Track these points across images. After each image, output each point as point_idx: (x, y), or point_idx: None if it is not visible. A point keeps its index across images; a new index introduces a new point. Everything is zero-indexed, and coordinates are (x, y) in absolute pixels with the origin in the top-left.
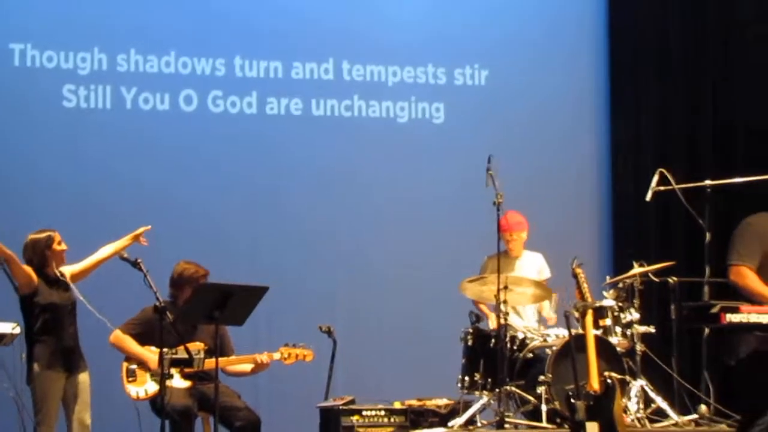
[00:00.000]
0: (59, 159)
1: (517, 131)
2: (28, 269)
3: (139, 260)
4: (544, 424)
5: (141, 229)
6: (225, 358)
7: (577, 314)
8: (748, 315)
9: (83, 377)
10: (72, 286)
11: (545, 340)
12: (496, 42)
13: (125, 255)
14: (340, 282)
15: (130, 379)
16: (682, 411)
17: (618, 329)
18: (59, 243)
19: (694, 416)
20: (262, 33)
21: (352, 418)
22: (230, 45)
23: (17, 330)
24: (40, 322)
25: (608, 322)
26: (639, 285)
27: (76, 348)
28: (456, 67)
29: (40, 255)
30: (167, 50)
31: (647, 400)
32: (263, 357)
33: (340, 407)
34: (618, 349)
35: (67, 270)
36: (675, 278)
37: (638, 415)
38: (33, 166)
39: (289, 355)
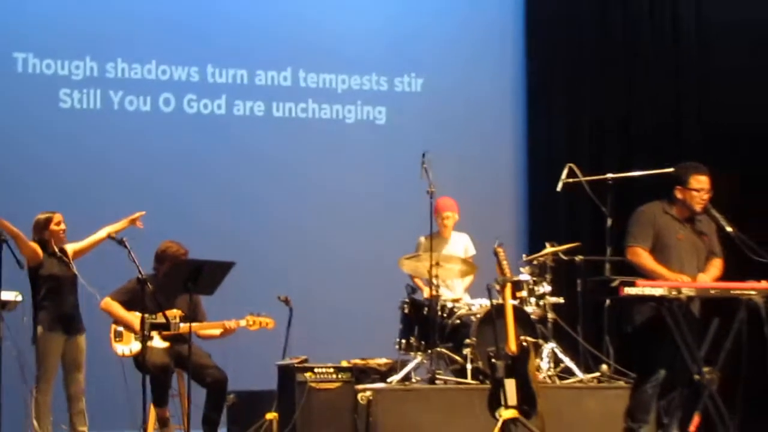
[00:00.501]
0: (56, 153)
1: (448, 131)
2: (34, 245)
3: (124, 239)
4: (470, 380)
5: (137, 214)
6: (198, 324)
7: (497, 287)
8: (642, 288)
9: (81, 340)
10: (71, 260)
11: (470, 309)
12: (430, 55)
13: (113, 235)
14: (297, 259)
15: (117, 339)
16: (586, 370)
17: (532, 300)
18: (57, 223)
19: (597, 374)
20: (230, 45)
21: (305, 374)
22: (203, 55)
23: (19, 298)
24: (44, 291)
25: (524, 293)
26: (550, 262)
27: (76, 314)
28: (396, 76)
29: (40, 233)
30: (149, 59)
31: (557, 361)
32: (231, 323)
33: (296, 365)
34: (532, 316)
35: (70, 247)
36: (581, 257)
37: (549, 373)
38: (34, 159)
39: (254, 322)
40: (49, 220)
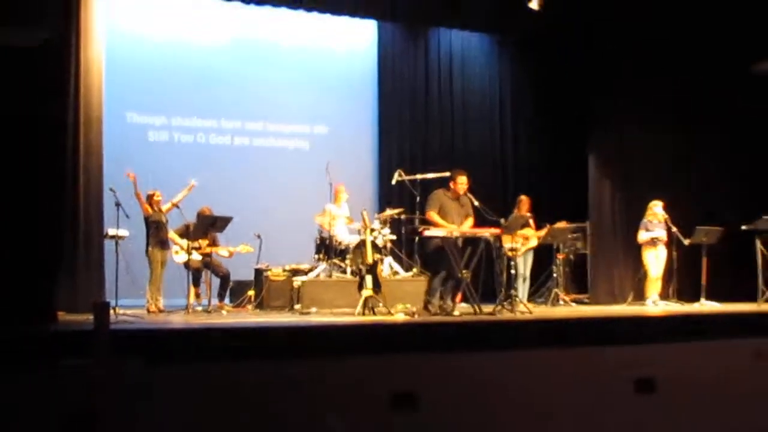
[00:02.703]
0: (148, 162)
1: (339, 153)
2: (147, 206)
3: (178, 204)
4: (349, 276)
5: (191, 184)
6: (215, 247)
7: (363, 230)
8: (434, 231)
9: (168, 253)
10: (164, 213)
11: (349, 241)
12: (330, 114)
13: (175, 202)
14: (264, 216)
15: (175, 252)
16: (406, 271)
17: (380, 237)
18: (158, 196)
19: (411, 273)
20: (232, 109)
21: (267, 272)
22: (218, 113)
23: (127, 233)
24: (152, 229)
25: (376, 234)
26: (389, 218)
27: (167, 240)
28: (314, 125)
29: (149, 199)
30: (192, 116)
31: (391, 267)
32: (231, 249)
33: (263, 268)
34: (380, 245)
35: (164, 207)
36: (405, 215)
37: (387, 273)
38: (136, 165)
39: (243, 248)
40: (153, 194)
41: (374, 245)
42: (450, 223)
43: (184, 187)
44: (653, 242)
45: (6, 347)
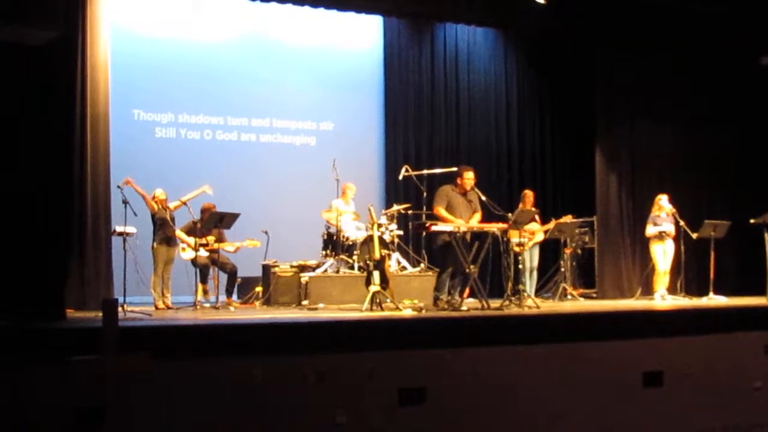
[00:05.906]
0: (154, 158)
1: (346, 149)
2: (153, 203)
3: (187, 202)
4: (356, 272)
5: (204, 187)
6: (222, 243)
7: (370, 226)
8: (441, 226)
9: (174, 250)
10: (170, 211)
11: (357, 236)
12: (336, 111)
13: (184, 200)
14: (272, 211)
15: (183, 250)
16: (414, 266)
17: (387, 233)
18: (163, 194)
19: (419, 269)
20: (239, 106)
21: (275, 269)
22: (225, 111)
23: (135, 230)
24: (157, 225)
25: (383, 229)
26: (396, 213)
27: (173, 237)
28: (320, 121)
29: (154, 197)
30: (198, 113)
31: (399, 262)
32: (238, 244)
33: (271, 264)
34: (387, 240)
35: (171, 204)
36: (411, 211)
37: (395, 268)
38: (144, 160)
39: (249, 243)
40: (154, 195)
41: (381, 241)
42: (457, 218)
43: (195, 187)
44: (661, 236)
45: (16, 343)
